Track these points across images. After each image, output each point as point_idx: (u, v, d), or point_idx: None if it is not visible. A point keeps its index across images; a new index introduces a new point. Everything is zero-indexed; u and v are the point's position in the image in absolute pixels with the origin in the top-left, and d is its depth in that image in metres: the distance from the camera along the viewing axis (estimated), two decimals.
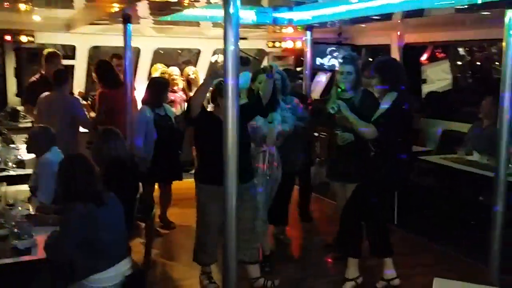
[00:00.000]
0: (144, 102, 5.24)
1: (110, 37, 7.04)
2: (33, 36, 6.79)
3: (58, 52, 6.37)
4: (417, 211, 5.89)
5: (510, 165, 3.81)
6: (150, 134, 5.05)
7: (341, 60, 4.85)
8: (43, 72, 5.99)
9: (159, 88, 5.29)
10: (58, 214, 3.52)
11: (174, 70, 7.04)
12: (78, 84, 7.37)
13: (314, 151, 6.52)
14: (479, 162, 5.16)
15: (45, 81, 5.84)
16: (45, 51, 6.11)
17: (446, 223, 5.54)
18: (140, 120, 5.06)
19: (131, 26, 5.15)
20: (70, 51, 7.87)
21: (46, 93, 5.49)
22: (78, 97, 6.26)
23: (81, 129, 5.77)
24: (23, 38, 6.71)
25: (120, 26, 5.17)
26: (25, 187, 4.23)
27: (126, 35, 5.15)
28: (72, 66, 7.42)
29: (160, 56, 8.51)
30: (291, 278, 4.43)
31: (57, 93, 5.46)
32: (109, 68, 5.86)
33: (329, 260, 4.77)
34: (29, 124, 6.37)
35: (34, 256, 3.02)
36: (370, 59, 8.40)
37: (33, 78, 6.05)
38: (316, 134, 5.79)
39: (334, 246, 4.86)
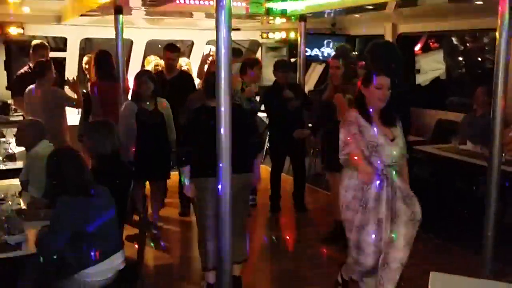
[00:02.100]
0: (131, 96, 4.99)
1: (102, 29, 6.98)
2: (23, 28, 6.71)
3: (45, 43, 6.30)
4: None
5: (503, 154, 3.81)
6: (131, 130, 4.71)
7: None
8: (31, 64, 5.91)
9: (138, 81, 4.84)
10: (49, 208, 3.50)
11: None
12: (70, 77, 7.29)
13: (309, 142, 6.52)
14: (473, 152, 5.16)
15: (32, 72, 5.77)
16: (32, 43, 6.04)
17: (439, 212, 5.55)
18: (120, 115, 4.85)
19: (122, 18, 5.09)
20: (61, 44, 7.80)
21: (30, 87, 5.43)
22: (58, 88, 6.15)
23: (74, 122, 5.72)
24: (13, 30, 6.62)
25: (112, 17, 5.11)
26: (15, 181, 4.18)
27: (118, 27, 5.09)
28: (63, 58, 7.36)
29: (156, 48, 8.43)
30: (285, 269, 4.42)
31: (37, 85, 5.38)
32: (109, 59, 5.74)
33: (324, 251, 4.77)
34: (20, 118, 6.31)
35: (24, 251, 2.99)
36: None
37: (21, 70, 5.98)
38: (310, 124, 5.76)
39: (330, 238, 4.86)
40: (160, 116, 4.85)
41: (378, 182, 3.26)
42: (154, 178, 5.03)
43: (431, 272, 2.70)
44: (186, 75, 6.08)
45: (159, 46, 8.50)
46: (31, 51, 5.96)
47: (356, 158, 3.21)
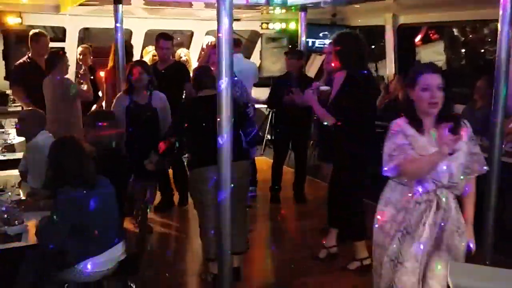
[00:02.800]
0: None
1: (101, 19, 6.93)
2: (21, 18, 6.66)
3: (44, 32, 6.24)
4: None
5: (503, 146, 3.80)
6: (121, 124, 4.45)
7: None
8: (30, 54, 5.86)
9: (130, 73, 4.57)
10: (49, 199, 3.49)
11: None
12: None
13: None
14: None
15: (33, 62, 5.74)
16: (31, 32, 5.99)
17: None
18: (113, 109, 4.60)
19: (122, 7, 5.05)
20: (60, 33, 7.75)
21: (47, 78, 5.43)
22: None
23: None
24: (11, 20, 6.57)
25: (111, 7, 5.07)
26: (15, 172, 4.17)
27: (117, 16, 5.05)
28: (62, 49, 7.31)
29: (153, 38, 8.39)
30: (286, 259, 4.43)
31: (49, 77, 5.38)
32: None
33: (324, 242, 4.77)
34: (19, 108, 6.29)
35: (24, 242, 2.99)
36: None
37: (20, 60, 5.92)
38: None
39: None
40: (153, 110, 4.60)
41: (423, 206, 2.64)
42: (147, 177, 4.55)
43: (450, 261, 2.67)
44: (181, 65, 5.82)
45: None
46: (30, 40, 5.91)
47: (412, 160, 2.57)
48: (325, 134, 4.43)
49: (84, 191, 2.95)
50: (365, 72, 3.99)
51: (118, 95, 4.66)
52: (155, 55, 6.65)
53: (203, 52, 7.01)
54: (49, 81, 5.30)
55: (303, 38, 6.42)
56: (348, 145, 3.92)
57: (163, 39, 5.38)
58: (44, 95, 5.31)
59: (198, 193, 3.75)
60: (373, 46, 9.60)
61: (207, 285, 3.90)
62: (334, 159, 4.21)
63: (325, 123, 3.95)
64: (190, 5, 6.48)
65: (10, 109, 6.69)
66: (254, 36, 8.89)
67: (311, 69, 8.30)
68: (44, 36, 5.98)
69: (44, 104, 5.22)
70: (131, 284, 3.35)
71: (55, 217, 2.92)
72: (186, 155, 4.69)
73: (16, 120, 4.28)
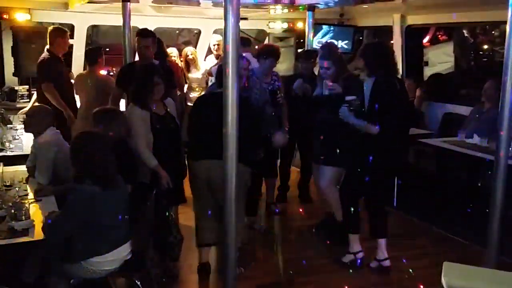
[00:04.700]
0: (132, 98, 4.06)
1: (109, 16, 6.95)
2: (30, 15, 6.69)
3: (65, 28, 6.25)
4: (416, 194, 5.89)
5: (510, 149, 3.79)
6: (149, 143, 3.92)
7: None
8: (50, 49, 5.78)
9: (146, 81, 3.91)
10: (57, 195, 3.52)
11: (173, 51, 6.96)
12: (77, 64, 7.30)
13: None
14: (479, 145, 5.14)
15: (57, 58, 5.70)
16: (52, 28, 5.98)
17: (445, 206, 5.54)
18: (130, 124, 3.89)
19: (130, 5, 5.07)
20: (68, 30, 7.77)
21: (81, 72, 5.47)
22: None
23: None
24: (20, 17, 6.61)
25: (119, 4, 5.09)
26: (22, 168, 4.20)
27: (125, 14, 5.07)
28: (70, 45, 7.34)
29: (163, 36, 8.41)
30: (290, 258, 4.43)
31: (89, 72, 5.44)
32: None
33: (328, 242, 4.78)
34: (27, 104, 6.32)
35: (31, 237, 3.00)
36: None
37: (44, 56, 5.83)
38: None
39: (321, 227, 4.92)
40: (173, 119, 4.07)
41: None
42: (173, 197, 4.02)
43: (445, 262, 2.68)
44: (166, 67, 5.02)
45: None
46: (54, 36, 5.84)
47: None
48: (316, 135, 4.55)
49: (104, 189, 2.95)
50: (393, 78, 3.99)
51: (131, 109, 3.96)
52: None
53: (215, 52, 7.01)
54: (87, 76, 5.35)
55: (310, 38, 6.41)
56: (384, 152, 3.92)
57: (141, 37, 4.82)
58: (75, 90, 5.36)
59: (192, 184, 3.94)
60: None
61: (214, 280, 3.95)
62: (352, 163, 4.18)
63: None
64: (198, 3, 6.49)
65: (18, 105, 6.72)
66: (262, 35, 8.89)
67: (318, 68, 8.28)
68: (67, 32, 6.01)
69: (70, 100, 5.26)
70: (137, 282, 3.36)
71: (67, 211, 2.93)
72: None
73: (25, 116, 4.31)
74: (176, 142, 4.07)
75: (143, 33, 4.87)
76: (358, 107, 3.98)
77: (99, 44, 8.47)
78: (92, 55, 5.64)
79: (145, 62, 4.68)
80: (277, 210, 5.51)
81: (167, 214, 3.65)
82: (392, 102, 3.90)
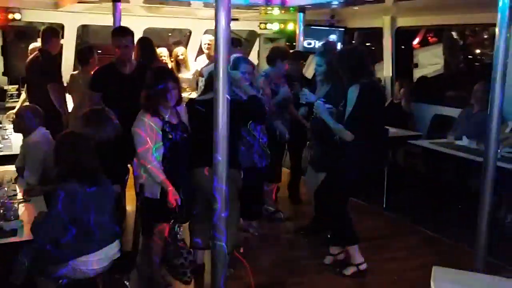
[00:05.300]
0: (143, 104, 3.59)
1: (99, 16, 6.92)
2: (20, 14, 6.65)
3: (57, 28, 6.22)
4: (405, 195, 5.92)
5: (499, 150, 3.82)
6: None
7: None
8: (43, 48, 5.67)
9: (159, 88, 3.51)
10: (46, 195, 3.50)
11: (163, 51, 6.95)
12: (66, 64, 7.26)
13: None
14: (468, 147, 5.18)
15: (53, 57, 5.69)
16: (45, 27, 5.94)
17: (434, 207, 5.58)
18: (138, 133, 3.51)
19: (120, 5, 5.05)
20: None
21: (73, 73, 5.48)
22: None
23: None
24: (10, 16, 6.57)
25: (110, 5, 5.07)
26: (11, 168, 4.17)
27: (116, 14, 5.05)
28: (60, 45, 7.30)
29: (153, 37, 8.39)
30: (280, 259, 4.44)
31: (79, 72, 5.42)
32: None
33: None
34: (16, 104, 6.28)
35: (20, 237, 2.98)
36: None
37: (42, 57, 5.77)
38: None
39: (308, 229, 4.92)
40: (187, 129, 3.64)
41: None
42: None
43: (434, 266, 2.70)
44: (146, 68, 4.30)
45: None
46: (50, 36, 5.78)
47: None
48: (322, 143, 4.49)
49: (89, 188, 2.96)
50: (370, 82, 3.96)
51: (142, 116, 3.52)
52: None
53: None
54: (80, 76, 5.33)
55: (301, 39, 6.43)
56: (358, 156, 3.90)
57: (120, 36, 4.35)
58: (68, 90, 5.34)
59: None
60: (373, 48, 9.62)
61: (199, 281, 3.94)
62: (333, 168, 4.16)
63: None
64: (189, 4, 6.49)
65: (7, 105, 6.68)
66: (252, 36, 8.90)
67: (309, 71, 8.31)
68: (60, 32, 5.99)
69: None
70: (125, 282, 3.35)
71: (53, 212, 2.92)
72: None
73: (14, 116, 4.28)
74: (188, 154, 3.64)
75: (122, 32, 4.39)
76: (340, 112, 3.97)
77: (90, 44, 8.41)
78: (84, 55, 5.61)
79: (124, 64, 4.37)
80: (281, 216, 5.42)
81: (175, 233, 3.43)
82: (378, 109, 3.91)
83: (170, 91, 3.49)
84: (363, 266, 4.12)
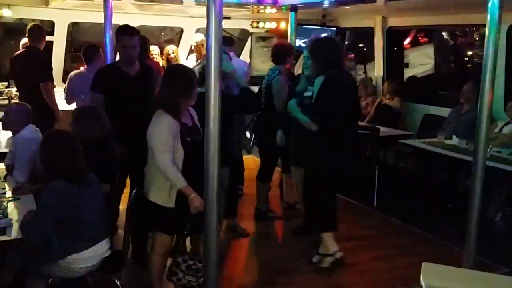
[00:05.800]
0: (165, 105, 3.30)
1: (90, 13, 6.88)
2: (10, 10, 6.59)
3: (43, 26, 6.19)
4: (395, 194, 5.96)
5: (488, 150, 3.86)
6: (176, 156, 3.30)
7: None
8: (35, 45, 5.65)
9: (183, 88, 3.28)
10: (35, 193, 3.47)
11: (154, 49, 6.92)
12: (57, 61, 7.21)
13: None
14: (458, 147, 5.22)
15: (44, 55, 5.68)
16: (32, 25, 5.90)
17: (424, 206, 5.61)
18: (158, 134, 3.26)
19: (111, 2, 5.02)
20: (48, 27, 7.67)
21: (76, 71, 5.42)
22: None
23: None
24: (1, 13, 6.51)
25: (100, 1, 5.04)
26: (1, 166, 4.13)
27: (107, 11, 5.02)
28: (51, 42, 7.25)
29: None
30: (272, 257, 4.45)
31: (81, 71, 5.39)
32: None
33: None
34: (5, 101, 6.23)
35: (8, 236, 2.95)
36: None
37: (19, 53, 5.74)
38: None
39: (299, 229, 4.92)
40: (200, 131, 3.36)
41: None
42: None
43: (423, 262, 2.71)
44: (150, 69, 4.50)
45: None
46: (42, 33, 5.74)
47: None
48: (298, 139, 4.54)
49: (75, 186, 2.94)
50: (341, 73, 4.02)
51: (160, 116, 3.26)
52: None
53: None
54: (83, 75, 5.29)
55: (293, 38, 6.43)
56: (329, 149, 3.94)
57: (127, 35, 4.15)
58: (69, 88, 5.30)
59: None
60: (365, 48, 9.66)
61: None
62: (310, 163, 4.20)
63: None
64: (181, 2, 6.47)
65: None
66: (244, 35, 8.90)
67: (300, 69, 8.32)
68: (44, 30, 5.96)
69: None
70: (115, 280, 3.34)
71: (41, 211, 2.90)
72: None
73: (3, 113, 4.24)
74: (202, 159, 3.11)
75: (130, 31, 4.20)
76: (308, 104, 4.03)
77: (80, 41, 8.38)
78: (90, 54, 5.53)
79: (130, 64, 4.22)
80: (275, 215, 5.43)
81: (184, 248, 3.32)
82: (337, 101, 3.87)
83: (195, 90, 3.27)
84: (339, 254, 4.14)
